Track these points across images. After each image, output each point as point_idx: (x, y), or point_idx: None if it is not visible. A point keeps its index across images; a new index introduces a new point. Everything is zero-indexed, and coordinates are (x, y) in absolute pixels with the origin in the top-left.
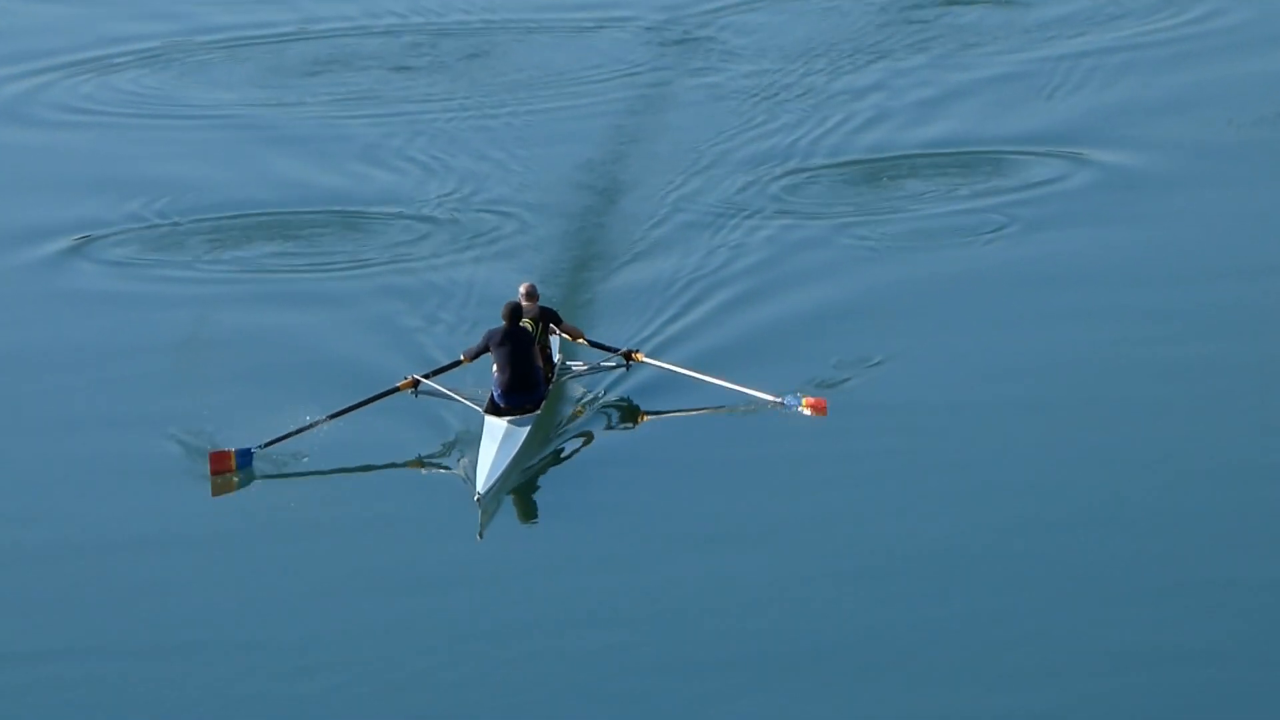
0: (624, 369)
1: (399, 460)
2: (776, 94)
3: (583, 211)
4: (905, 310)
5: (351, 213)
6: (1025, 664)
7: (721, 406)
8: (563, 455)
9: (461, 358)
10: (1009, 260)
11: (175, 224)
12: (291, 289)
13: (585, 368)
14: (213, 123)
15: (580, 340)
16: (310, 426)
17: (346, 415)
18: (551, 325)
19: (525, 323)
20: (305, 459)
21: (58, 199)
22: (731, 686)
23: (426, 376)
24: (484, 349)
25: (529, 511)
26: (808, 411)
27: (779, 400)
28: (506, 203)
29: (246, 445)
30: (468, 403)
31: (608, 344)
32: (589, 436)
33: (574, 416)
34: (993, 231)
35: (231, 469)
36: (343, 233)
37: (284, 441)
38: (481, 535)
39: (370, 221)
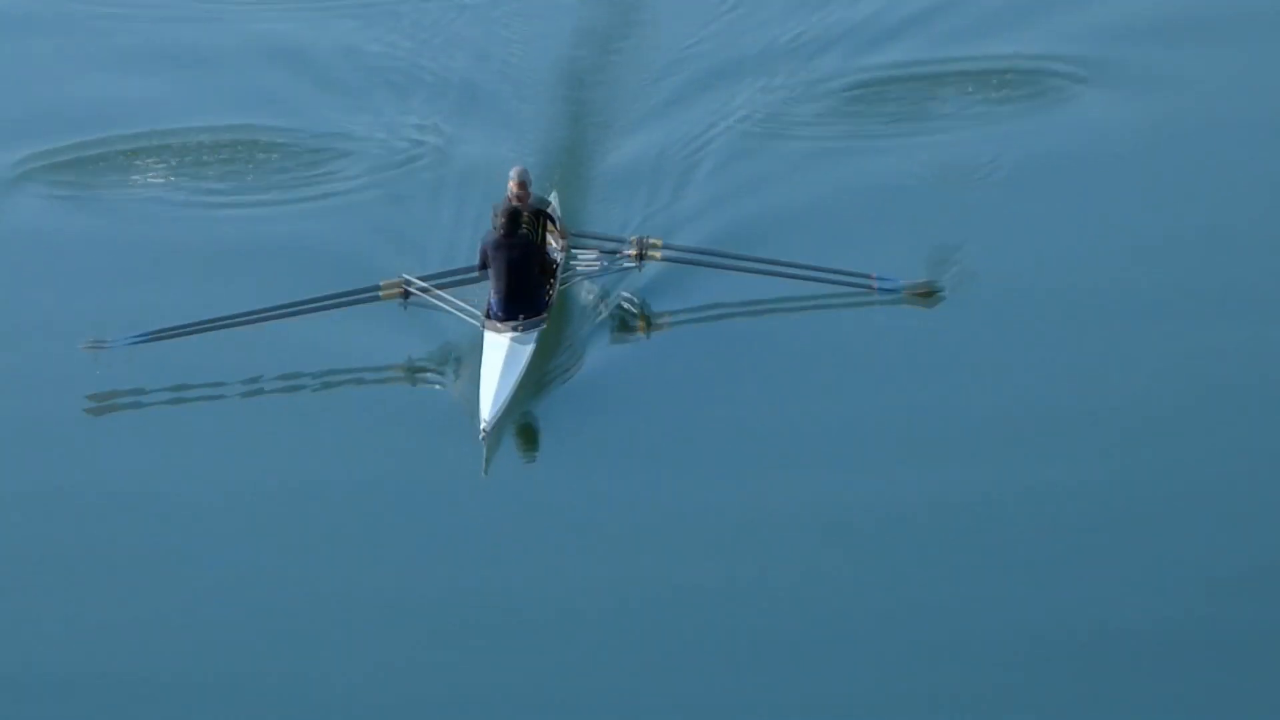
0: (637, 262)
1: (385, 367)
2: None
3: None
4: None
5: None
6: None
7: (757, 302)
8: (575, 371)
9: (475, 271)
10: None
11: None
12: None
13: (593, 265)
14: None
15: (572, 236)
16: (240, 321)
17: (299, 314)
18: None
19: (524, 225)
20: (270, 362)
21: None
22: (765, 631)
23: (421, 279)
24: (485, 262)
25: (538, 440)
26: (905, 293)
27: (867, 277)
28: None
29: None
30: (463, 313)
31: (609, 235)
32: (602, 348)
33: (584, 325)
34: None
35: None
36: None
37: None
38: (486, 470)
39: None
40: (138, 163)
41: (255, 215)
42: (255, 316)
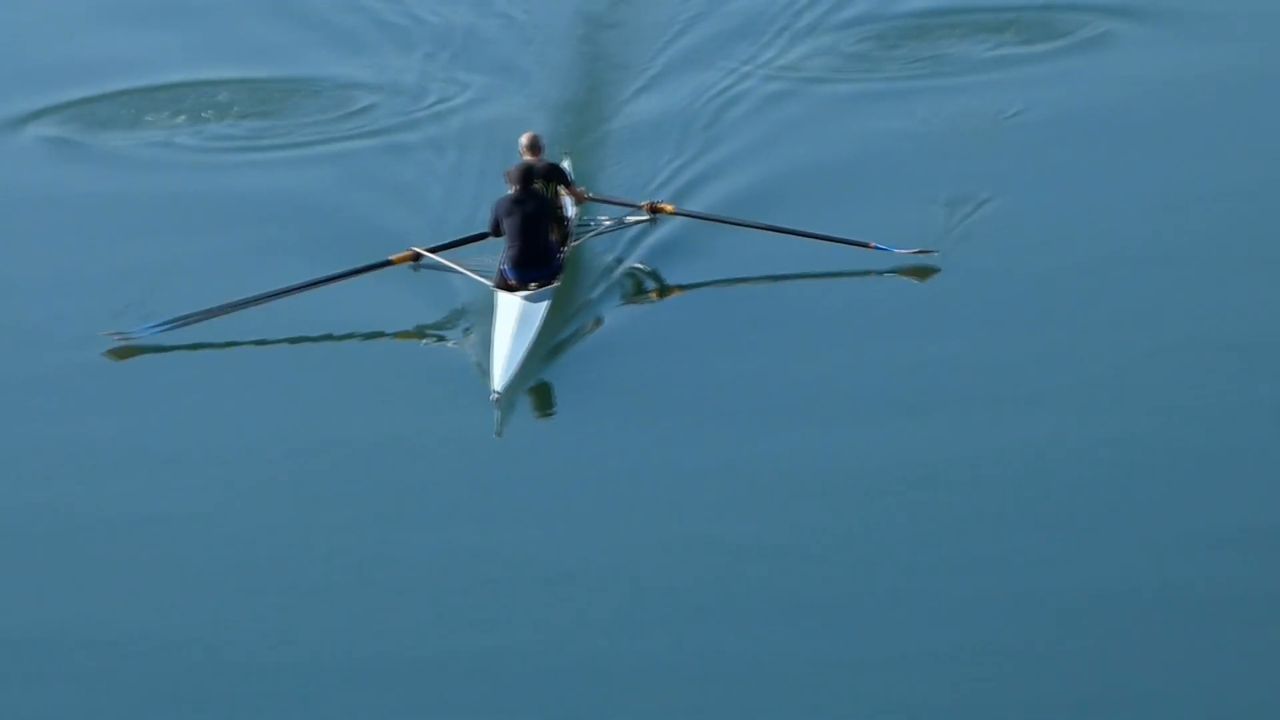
0: (649, 222)
1: (395, 332)
2: None
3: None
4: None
5: None
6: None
7: (770, 265)
8: (587, 333)
9: (488, 232)
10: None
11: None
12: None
13: (605, 225)
14: None
15: (588, 199)
16: (258, 301)
17: (315, 288)
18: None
19: (537, 184)
20: (281, 328)
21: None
22: (779, 593)
23: (434, 250)
24: (499, 221)
25: (551, 403)
26: (906, 256)
27: (865, 244)
28: None
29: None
30: (475, 276)
31: (623, 198)
32: (615, 310)
33: (597, 287)
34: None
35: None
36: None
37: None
38: (500, 433)
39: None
40: (148, 116)
41: (267, 167)
42: (271, 295)
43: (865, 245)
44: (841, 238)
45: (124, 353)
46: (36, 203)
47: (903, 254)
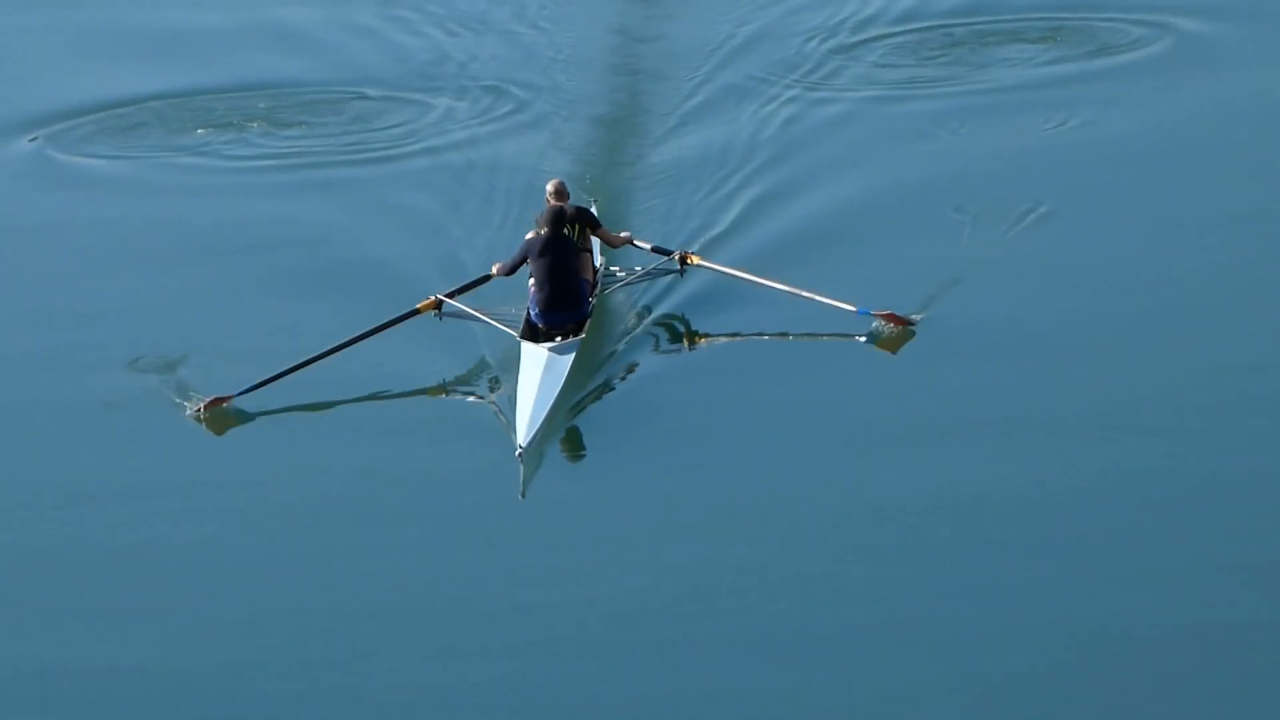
0: (678, 274)
1: (420, 387)
2: None
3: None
4: (1010, 201)
5: None
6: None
7: (787, 333)
8: (613, 387)
9: (493, 271)
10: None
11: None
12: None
13: (633, 275)
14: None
15: (626, 244)
16: (305, 364)
17: (353, 346)
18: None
19: (566, 228)
20: (306, 388)
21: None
22: (804, 665)
23: (451, 295)
24: (522, 261)
25: (578, 460)
26: (883, 323)
27: (851, 308)
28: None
29: (227, 392)
30: (499, 325)
31: (656, 244)
32: (641, 363)
33: (622, 339)
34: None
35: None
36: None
37: (273, 383)
38: (524, 494)
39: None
40: (173, 130)
41: (277, 191)
42: (319, 356)
43: (850, 308)
44: (830, 301)
45: (218, 421)
46: (53, 228)
47: (877, 316)
